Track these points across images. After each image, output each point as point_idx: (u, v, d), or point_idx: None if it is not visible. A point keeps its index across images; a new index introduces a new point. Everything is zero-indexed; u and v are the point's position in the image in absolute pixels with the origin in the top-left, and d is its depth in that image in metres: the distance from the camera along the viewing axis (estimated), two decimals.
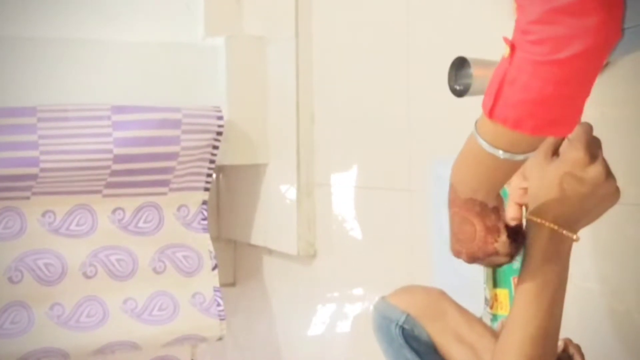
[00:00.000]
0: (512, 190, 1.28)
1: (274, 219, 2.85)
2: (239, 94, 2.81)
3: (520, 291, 1.18)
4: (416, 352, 1.37)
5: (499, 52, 1.82)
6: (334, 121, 2.60)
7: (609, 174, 1.17)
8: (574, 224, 1.18)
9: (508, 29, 1.82)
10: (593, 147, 1.17)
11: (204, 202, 2.72)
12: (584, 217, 1.18)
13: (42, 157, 2.43)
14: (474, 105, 1.82)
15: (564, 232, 1.17)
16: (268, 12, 2.85)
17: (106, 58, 2.70)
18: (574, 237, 1.17)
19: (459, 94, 1.76)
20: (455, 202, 1.22)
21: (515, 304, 1.19)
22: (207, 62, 2.83)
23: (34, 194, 2.48)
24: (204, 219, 2.71)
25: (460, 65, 1.74)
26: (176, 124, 2.58)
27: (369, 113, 2.42)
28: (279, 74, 2.77)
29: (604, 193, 1.17)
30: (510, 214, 1.25)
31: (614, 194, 1.18)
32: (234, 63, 2.80)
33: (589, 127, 1.19)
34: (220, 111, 2.68)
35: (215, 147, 2.68)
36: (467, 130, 1.80)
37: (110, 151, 2.50)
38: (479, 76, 1.75)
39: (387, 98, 2.33)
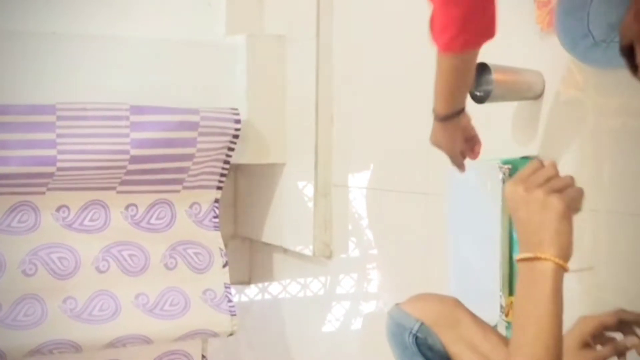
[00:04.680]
0: None
1: (290, 218, 2.85)
2: (258, 92, 2.80)
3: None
4: None
5: (520, 58, 1.81)
6: (352, 122, 2.60)
7: (527, 188, 1.21)
8: (531, 245, 1.19)
9: (530, 35, 1.81)
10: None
11: (216, 201, 2.73)
12: (536, 235, 1.19)
13: (60, 157, 2.45)
14: (492, 108, 1.82)
15: (525, 255, 1.18)
16: (289, 12, 2.85)
17: (127, 54, 2.70)
18: (532, 255, 1.17)
19: (480, 100, 1.74)
20: None
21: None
22: (227, 60, 2.82)
23: (49, 189, 2.50)
24: (215, 217, 2.72)
25: (481, 71, 1.73)
26: (194, 126, 2.58)
27: (388, 115, 2.41)
28: (299, 74, 2.76)
29: (533, 206, 1.19)
30: None
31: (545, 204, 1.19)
32: (254, 62, 2.80)
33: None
34: (238, 114, 2.68)
35: (231, 149, 2.69)
36: (486, 134, 1.80)
37: (127, 152, 2.51)
38: (501, 82, 1.74)
39: (406, 100, 2.32)
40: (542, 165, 1.25)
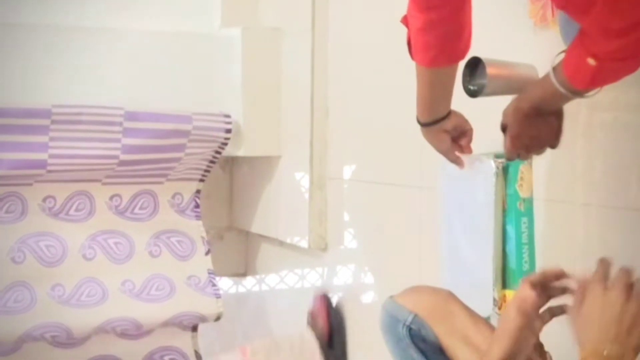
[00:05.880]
0: None
1: (286, 211, 2.85)
2: (253, 85, 2.81)
3: None
4: (422, 352, 1.37)
5: (514, 52, 1.82)
6: (348, 115, 2.60)
7: (605, 290, 1.18)
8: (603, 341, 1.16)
9: (523, 29, 1.82)
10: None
11: (198, 191, 2.77)
12: (607, 333, 1.15)
13: (50, 161, 2.47)
14: (485, 102, 1.82)
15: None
16: (285, 4, 2.85)
17: (121, 47, 2.70)
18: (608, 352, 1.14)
19: (473, 94, 1.74)
20: None
21: None
22: (223, 53, 2.83)
23: (37, 181, 2.52)
24: (197, 207, 2.76)
25: (475, 65, 1.73)
26: (185, 134, 2.61)
27: (384, 108, 2.42)
28: (294, 67, 2.76)
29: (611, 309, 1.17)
30: None
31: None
32: (249, 54, 2.80)
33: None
34: (230, 123, 2.70)
35: (218, 152, 2.72)
36: (479, 127, 1.80)
37: (116, 157, 2.54)
38: (494, 76, 1.74)
39: (401, 93, 2.32)
40: (609, 263, 1.23)
